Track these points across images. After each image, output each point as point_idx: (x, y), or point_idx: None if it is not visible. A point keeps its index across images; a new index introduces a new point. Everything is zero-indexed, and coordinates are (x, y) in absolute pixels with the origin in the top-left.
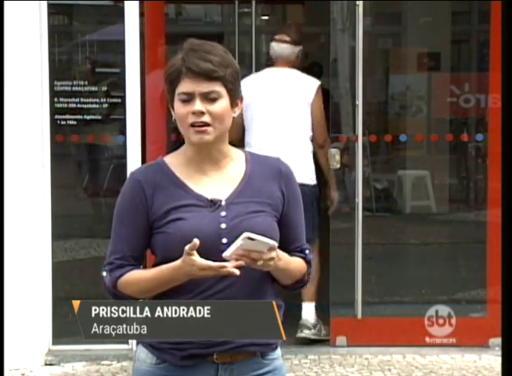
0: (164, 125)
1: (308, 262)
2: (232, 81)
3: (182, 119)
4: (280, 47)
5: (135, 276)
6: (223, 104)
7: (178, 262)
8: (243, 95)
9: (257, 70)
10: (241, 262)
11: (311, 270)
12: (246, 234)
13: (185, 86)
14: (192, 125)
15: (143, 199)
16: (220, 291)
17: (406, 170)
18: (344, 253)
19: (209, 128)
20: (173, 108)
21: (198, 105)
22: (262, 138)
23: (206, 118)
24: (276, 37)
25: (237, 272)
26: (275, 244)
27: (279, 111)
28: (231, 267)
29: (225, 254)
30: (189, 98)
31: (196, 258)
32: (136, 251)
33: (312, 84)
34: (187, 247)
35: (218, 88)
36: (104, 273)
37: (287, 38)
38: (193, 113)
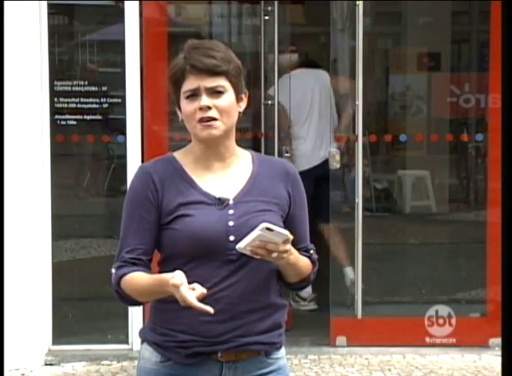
0: (164, 124)
1: (313, 262)
2: (235, 76)
3: (190, 116)
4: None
5: (136, 277)
6: (229, 98)
7: (165, 281)
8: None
9: (279, 70)
10: (259, 251)
11: (315, 270)
12: (264, 224)
13: (190, 83)
14: (200, 121)
15: (154, 191)
16: (225, 288)
17: (406, 170)
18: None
19: (217, 123)
20: (180, 109)
21: (205, 100)
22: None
23: (213, 113)
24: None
25: (211, 311)
26: (291, 236)
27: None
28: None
29: (239, 246)
30: (194, 94)
31: (183, 291)
32: (147, 244)
33: None
34: (176, 282)
35: (223, 82)
36: (113, 270)
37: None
38: (200, 108)
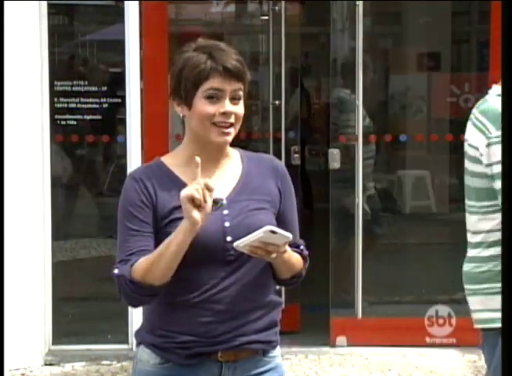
0: (164, 124)
1: (304, 258)
2: (247, 86)
3: (207, 117)
4: None
5: (146, 256)
6: (243, 106)
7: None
8: None
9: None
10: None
11: (307, 265)
12: (268, 227)
13: (216, 82)
14: (215, 124)
15: (147, 195)
16: (225, 288)
17: (406, 170)
18: (344, 253)
19: (232, 130)
20: (188, 106)
21: (229, 105)
22: None
23: (233, 119)
24: None
25: None
26: (291, 237)
27: None
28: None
29: (237, 244)
30: (217, 95)
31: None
32: (150, 246)
33: None
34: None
35: (242, 88)
36: (116, 271)
37: None
38: (224, 113)
